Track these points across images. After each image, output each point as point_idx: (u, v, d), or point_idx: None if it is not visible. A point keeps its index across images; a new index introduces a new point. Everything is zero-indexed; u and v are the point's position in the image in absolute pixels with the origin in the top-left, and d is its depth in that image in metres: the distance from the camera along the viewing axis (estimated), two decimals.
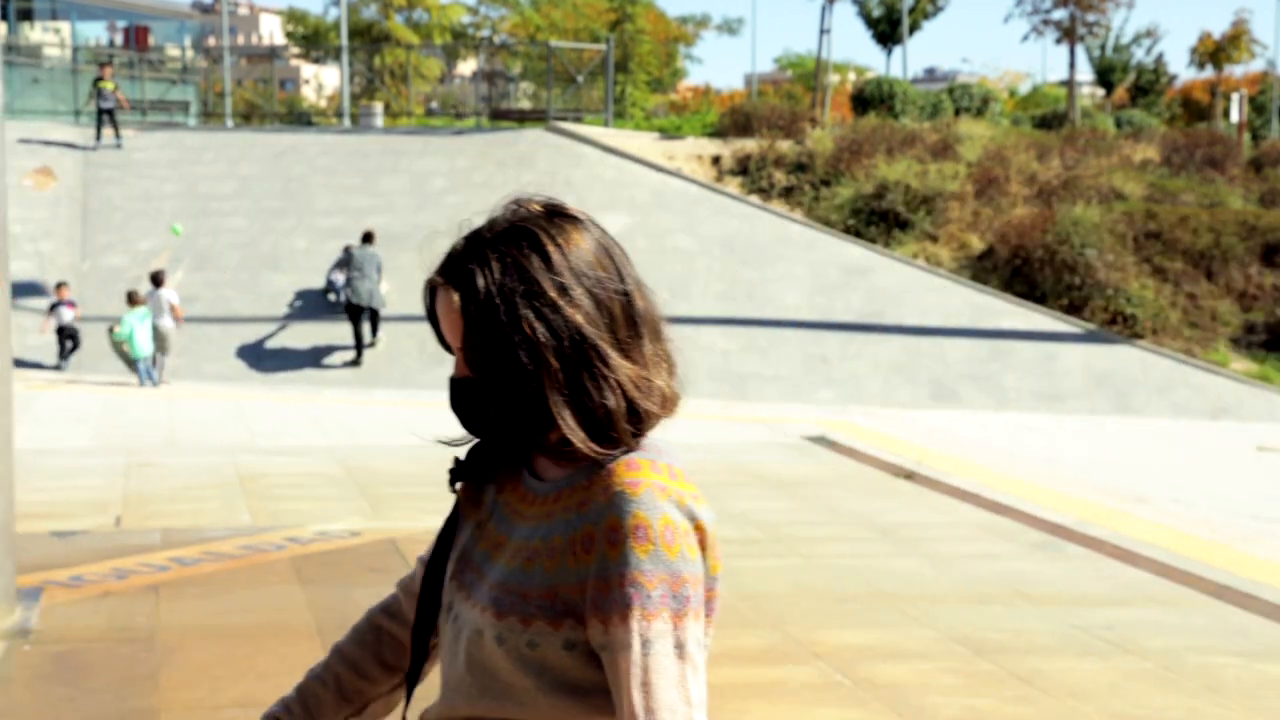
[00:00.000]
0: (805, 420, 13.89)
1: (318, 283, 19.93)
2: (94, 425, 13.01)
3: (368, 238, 18.91)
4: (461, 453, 1.90)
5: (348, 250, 18.78)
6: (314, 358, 18.85)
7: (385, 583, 7.35)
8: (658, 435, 1.75)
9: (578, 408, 1.68)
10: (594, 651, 1.65)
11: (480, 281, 1.69)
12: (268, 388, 17.50)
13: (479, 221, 1.78)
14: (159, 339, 17.60)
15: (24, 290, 18.51)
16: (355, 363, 18.56)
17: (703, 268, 20.12)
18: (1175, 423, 17.25)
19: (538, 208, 1.76)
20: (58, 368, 18.17)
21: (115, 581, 6.53)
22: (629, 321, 1.74)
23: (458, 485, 1.88)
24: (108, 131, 24.18)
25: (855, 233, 21.58)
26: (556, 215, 1.75)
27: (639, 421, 1.70)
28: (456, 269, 1.72)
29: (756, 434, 12.89)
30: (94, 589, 6.39)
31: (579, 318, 1.69)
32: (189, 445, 11.65)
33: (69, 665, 5.30)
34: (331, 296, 19.39)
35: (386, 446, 11.79)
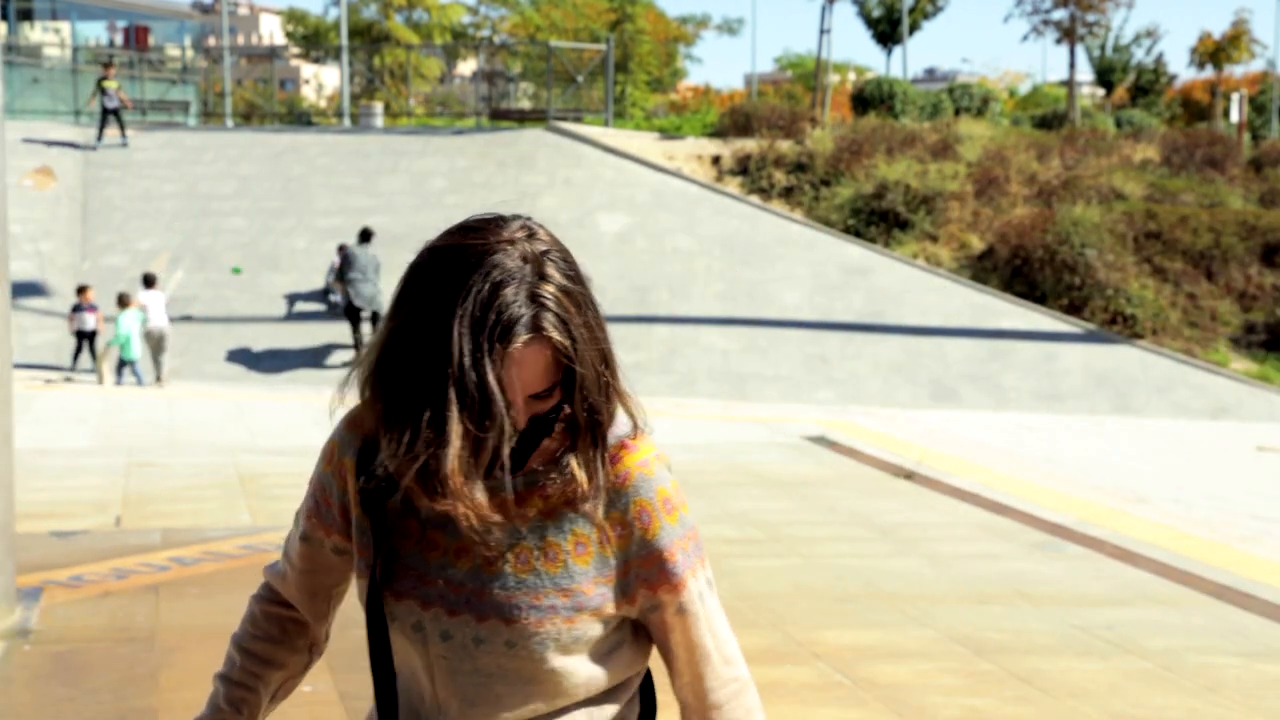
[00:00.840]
0: (805, 420, 13.89)
1: (318, 283, 19.93)
2: (94, 425, 13.01)
3: (366, 236, 18.82)
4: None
5: (345, 251, 18.61)
6: (314, 358, 18.85)
7: None
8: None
9: (599, 416, 1.73)
10: (622, 619, 1.75)
11: (566, 326, 1.67)
12: (268, 388, 17.49)
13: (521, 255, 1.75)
14: (155, 340, 17.60)
15: (24, 290, 18.51)
16: None
17: (703, 268, 20.12)
18: (1175, 423, 17.25)
19: (545, 234, 1.80)
20: (69, 369, 18.15)
21: (115, 581, 6.53)
22: (611, 346, 1.78)
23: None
24: (111, 131, 24.20)
25: (855, 233, 21.58)
26: (559, 243, 1.79)
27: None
28: (544, 312, 1.66)
29: (756, 434, 12.88)
30: (94, 589, 6.39)
31: (606, 345, 1.74)
32: (189, 445, 11.65)
33: (69, 665, 5.30)
34: (333, 298, 19.37)
35: None
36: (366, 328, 18.73)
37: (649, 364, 18.32)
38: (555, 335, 1.65)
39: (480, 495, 1.62)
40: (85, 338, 18.11)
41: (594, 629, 1.72)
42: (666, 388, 17.74)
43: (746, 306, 19.25)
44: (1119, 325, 19.69)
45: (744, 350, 18.53)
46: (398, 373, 1.64)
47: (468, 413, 1.59)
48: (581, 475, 1.71)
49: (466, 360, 1.60)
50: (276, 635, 1.98)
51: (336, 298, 18.90)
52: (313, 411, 14.59)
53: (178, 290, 19.99)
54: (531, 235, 1.77)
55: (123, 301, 17.59)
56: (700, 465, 10.51)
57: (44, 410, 13.81)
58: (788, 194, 22.87)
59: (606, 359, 1.73)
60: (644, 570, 1.73)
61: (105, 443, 11.82)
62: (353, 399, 1.76)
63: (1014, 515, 8.80)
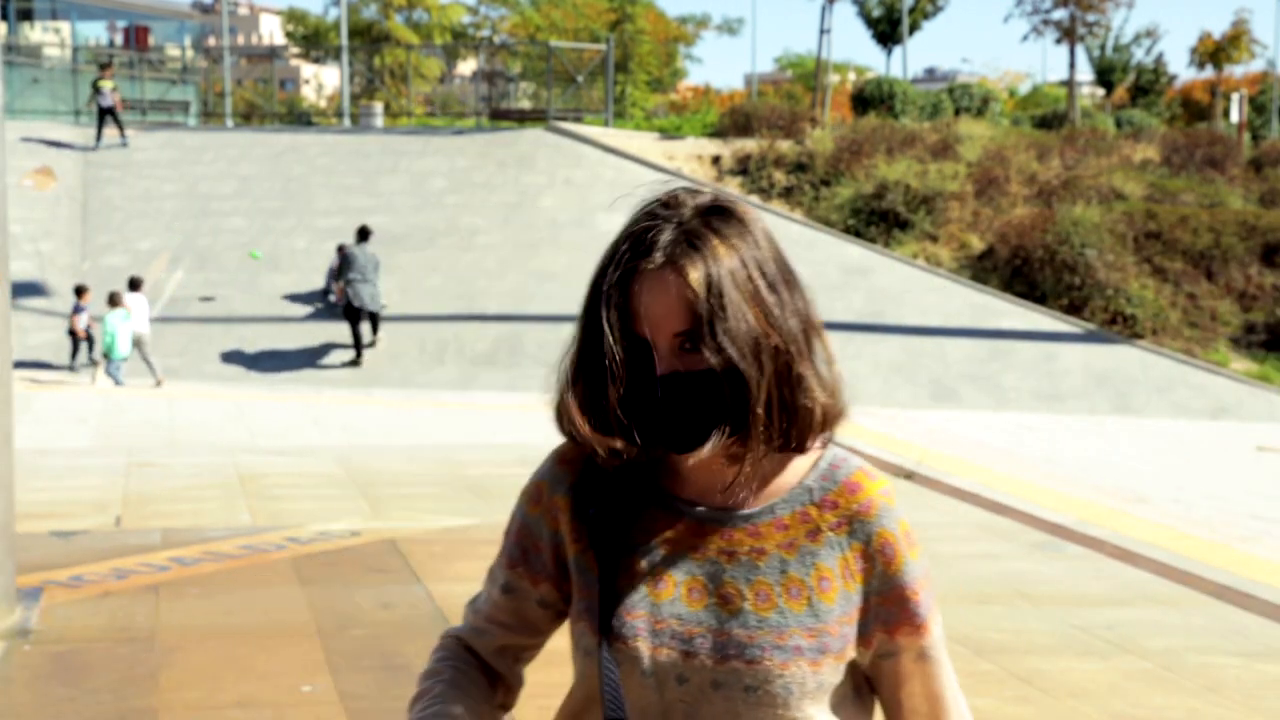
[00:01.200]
0: None
1: (318, 283, 19.92)
2: (94, 425, 13.01)
3: (364, 234, 18.83)
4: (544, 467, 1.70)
5: (344, 251, 18.62)
6: (314, 358, 18.84)
7: (385, 583, 7.32)
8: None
9: (789, 409, 1.56)
10: (853, 666, 1.62)
11: (709, 263, 1.53)
12: (268, 388, 17.50)
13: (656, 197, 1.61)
14: (139, 342, 17.64)
15: (24, 290, 18.51)
16: (355, 363, 18.55)
17: None
18: (1175, 423, 17.25)
19: (711, 192, 1.63)
20: (70, 369, 18.17)
21: (115, 581, 6.53)
22: (814, 324, 1.62)
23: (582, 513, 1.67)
24: (110, 131, 24.21)
25: (855, 233, 21.58)
26: (737, 203, 1.63)
27: (835, 422, 1.61)
28: (679, 246, 1.54)
29: None
30: (94, 589, 6.39)
31: (799, 311, 1.58)
32: (189, 445, 11.65)
33: (69, 665, 5.30)
34: (332, 298, 19.36)
35: (386, 446, 11.79)
36: (366, 327, 18.74)
37: None
38: (691, 271, 1.52)
39: (616, 443, 1.54)
40: (80, 338, 18.14)
41: (835, 675, 1.58)
42: None
43: None
44: (1119, 325, 19.68)
45: None
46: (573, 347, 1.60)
47: (589, 350, 1.55)
48: (739, 473, 1.57)
49: (601, 285, 1.55)
50: (477, 694, 1.72)
51: (335, 298, 18.90)
52: (313, 411, 14.60)
53: (178, 290, 19.99)
54: (710, 198, 1.62)
55: (113, 300, 17.62)
56: None
57: (44, 410, 13.81)
58: (788, 194, 22.87)
59: (794, 341, 1.55)
60: (884, 610, 1.60)
61: (105, 443, 11.83)
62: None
63: (1014, 515, 8.80)
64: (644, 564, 1.60)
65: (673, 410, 1.53)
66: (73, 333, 18.16)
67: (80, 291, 18.27)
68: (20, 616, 5.85)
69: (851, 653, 1.60)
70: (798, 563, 1.58)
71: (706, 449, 1.53)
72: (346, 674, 5.13)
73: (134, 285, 18.08)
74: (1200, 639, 6.08)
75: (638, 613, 1.58)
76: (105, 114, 24.07)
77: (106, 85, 24.23)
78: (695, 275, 1.51)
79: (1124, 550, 7.72)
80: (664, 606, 1.58)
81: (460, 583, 6.54)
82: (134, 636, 5.66)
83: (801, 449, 1.59)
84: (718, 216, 1.57)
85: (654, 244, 1.53)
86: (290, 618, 5.95)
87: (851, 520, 1.59)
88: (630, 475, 1.62)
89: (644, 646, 1.57)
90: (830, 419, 1.60)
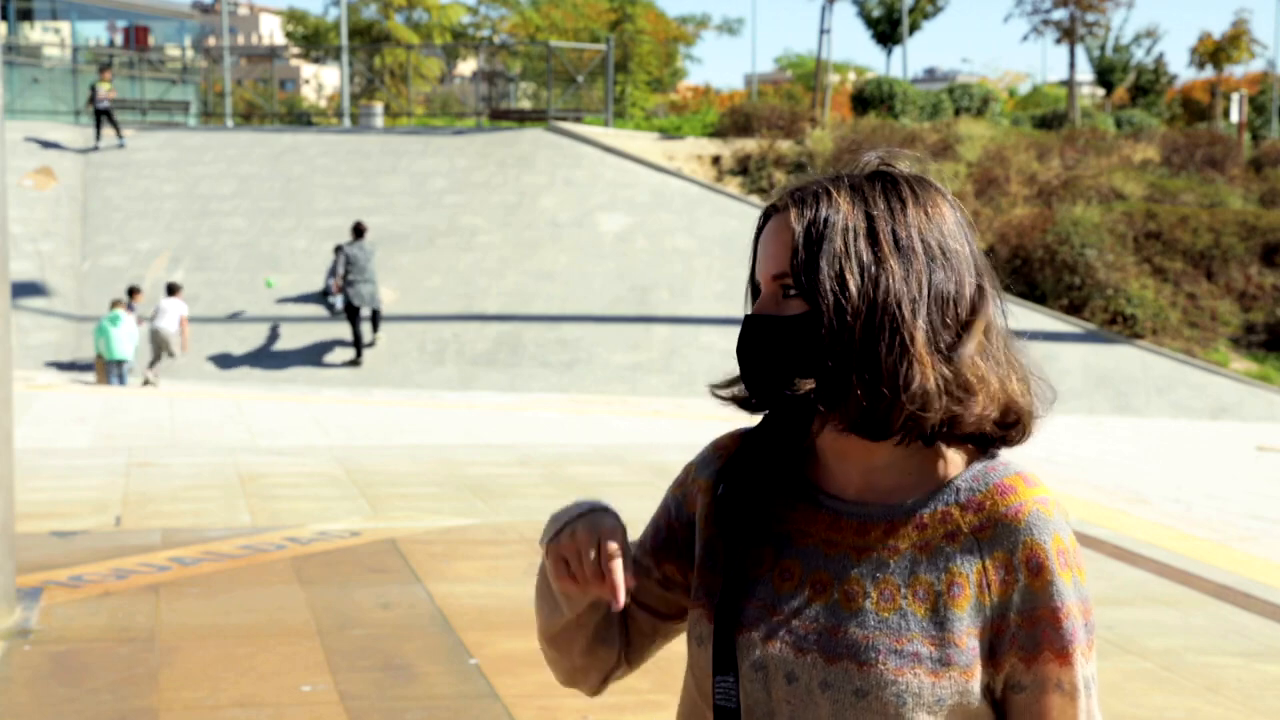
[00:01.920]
0: None
1: (318, 283, 19.93)
2: (94, 425, 13.01)
3: (359, 231, 18.85)
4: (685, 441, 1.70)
5: (343, 252, 18.63)
6: (314, 358, 18.85)
7: (385, 583, 7.34)
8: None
9: (892, 384, 1.43)
10: (989, 689, 1.48)
11: (824, 208, 1.47)
12: (268, 388, 17.50)
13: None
14: (160, 342, 17.63)
15: (24, 290, 18.51)
16: (355, 363, 18.56)
17: (703, 268, 20.12)
18: (1175, 423, 17.25)
19: (906, 165, 1.57)
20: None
21: (115, 581, 6.53)
22: (959, 319, 1.47)
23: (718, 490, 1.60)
24: (108, 132, 24.23)
25: None
26: (924, 179, 1.56)
27: (958, 409, 1.45)
28: (801, 192, 1.51)
29: None
30: (94, 589, 6.39)
31: (941, 290, 1.46)
32: (189, 445, 11.65)
33: (69, 665, 5.30)
34: (331, 299, 19.35)
35: (386, 446, 11.79)
36: (366, 327, 18.74)
37: (649, 364, 18.32)
38: (799, 214, 1.48)
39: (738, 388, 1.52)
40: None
41: (957, 692, 1.44)
42: (666, 388, 17.74)
43: (746, 306, 19.23)
44: (1119, 325, 19.69)
45: None
46: None
47: None
48: (857, 486, 1.49)
49: None
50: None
51: (335, 299, 18.91)
52: (313, 411, 14.60)
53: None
54: (885, 163, 1.57)
55: (114, 305, 17.69)
56: None
57: (44, 410, 13.81)
58: None
59: (915, 314, 1.44)
60: (1023, 631, 1.45)
61: (105, 443, 11.83)
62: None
63: None
64: (773, 553, 1.53)
65: (750, 353, 1.50)
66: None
67: (133, 292, 18.35)
68: (20, 616, 5.85)
69: (980, 673, 1.45)
70: (930, 565, 1.46)
71: (788, 401, 1.46)
72: (346, 674, 5.13)
73: (171, 291, 18.13)
74: (1200, 639, 6.08)
75: (756, 601, 1.51)
76: (102, 115, 24.10)
77: (104, 86, 24.27)
78: (801, 217, 1.47)
79: (1124, 550, 7.72)
80: (784, 599, 1.50)
81: (460, 583, 6.54)
82: (134, 636, 5.66)
83: (925, 438, 1.46)
84: (873, 178, 1.52)
85: (789, 189, 1.53)
86: (290, 618, 5.95)
87: (997, 525, 1.46)
88: (777, 464, 1.56)
89: (757, 637, 1.50)
90: (965, 410, 1.45)
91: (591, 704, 4.93)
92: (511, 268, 20.09)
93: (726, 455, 1.61)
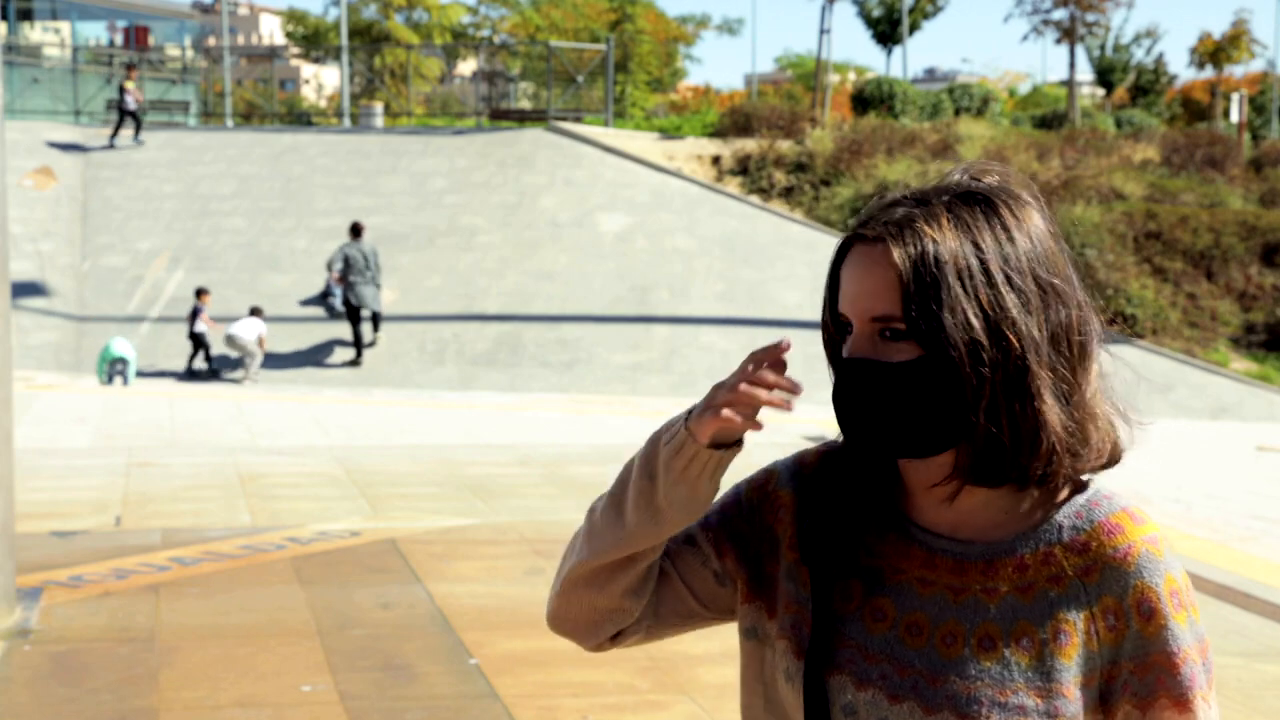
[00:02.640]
0: (805, 420, 13.88)
1: (318, 283, 19.93)
2: (94, 425, 13.01)
3: (357, 230, 18.87)
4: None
5: (344, 253, 18.62)
6: (314, 358, 18.85)
7: (385, 583, 7.34)
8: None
9: (1016, 429, 1.36)
10: None
11: (928, 242, 1.35)
12: (268, 388, 17.51)
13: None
14: (238, 347, 17.90)
15: (24, 290, 18.52)
16: (355, 363, 18.56)
17: (703, 268, 20.12)
18: (1175, 423, 17.25)
19: (994, 179, 1.44)
20: (191, 372, 18.35)
21: (115, 581, 6.53)
22: (1074, 357, 1.41)
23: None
24: (126, 132, 24.28)
25: None
26: (1014, 191, 1.44)
27: (1076, 460, 1.40)
28: (899, 223, 1.37)
29: (756, 434, 12.85)
30: (94, 589, 6.39)
31: (1058, 323, 1.38)
32: (189, 445, 11.65)
33: (69, 665, 5.30)
34: (331, 300, 19.35)
35: (386, 446, 11.79)
36: (367, 327, 18.75)
37: (649, 364, 18.32)
38: (902, 247, 1.35)
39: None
40: (200, 341, 18.25)
41: None
42: (666, 388, 17.74)
43: (746, 306, 19.25)
44: (1119, 325, 19.69)
45: (744, 350, 18.51)
46: None
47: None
48: (950, 521, 1.41)
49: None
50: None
51: (337, 301, 18.92)
52: (313, 411, 14.60)
53: (177, 290, 19.99)
54: (976, 180, 1.44)
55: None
56: None
57: (44, 410, 13.81)
58: (788, 194, 22.87)
59: (1035, 351, 1.35)
60: (1136, 679, 1.37)
61: (105, 443, 11.82)
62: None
63: None
64: (862, 588, 1.43)
65: (854, 401, 1.37)
66: (194, 336, 18.22)
67: (200, 293, 18.38)
68: (20, 616, 5.85)
69: (1096, 718, 1.38)
70: (1033, 610, 1.38)
71: (896, 454, 1.38)
72: (346, 674, 5.13)
73: (255, 313, 18.32)
74: None
75: (848, 642, 1.42)
76: (126, 115, 24.13)
77: (130, 85, 24.34)
78: (906, 252, 1.35)
79: None
80: (877, 640, 1.41)
81: (460, 583, 6.54)
82: (134, 636, 5.66)
83: (1039, 484, 1.39)
84: (970, 200, 1.40)
85: (878, 216, 1.39)
86: (290, 618, 5.95)
87: (1104, 568, 1.38)
88: (866, 492, 1.46)
89: (849, 681, 1.41)
90: (1082, 457, 1.40)
91: (591, 704, 4.93)
92: (511, 268, 20.09)
93: (810, 471, 1.52)
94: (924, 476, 1.42)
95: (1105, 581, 1.38)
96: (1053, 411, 1.37)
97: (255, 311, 18.42)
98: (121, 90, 24.30)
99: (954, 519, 1.43)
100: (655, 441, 1.41)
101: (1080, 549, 1.39)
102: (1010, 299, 1.35)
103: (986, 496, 1.41)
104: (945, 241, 1.35)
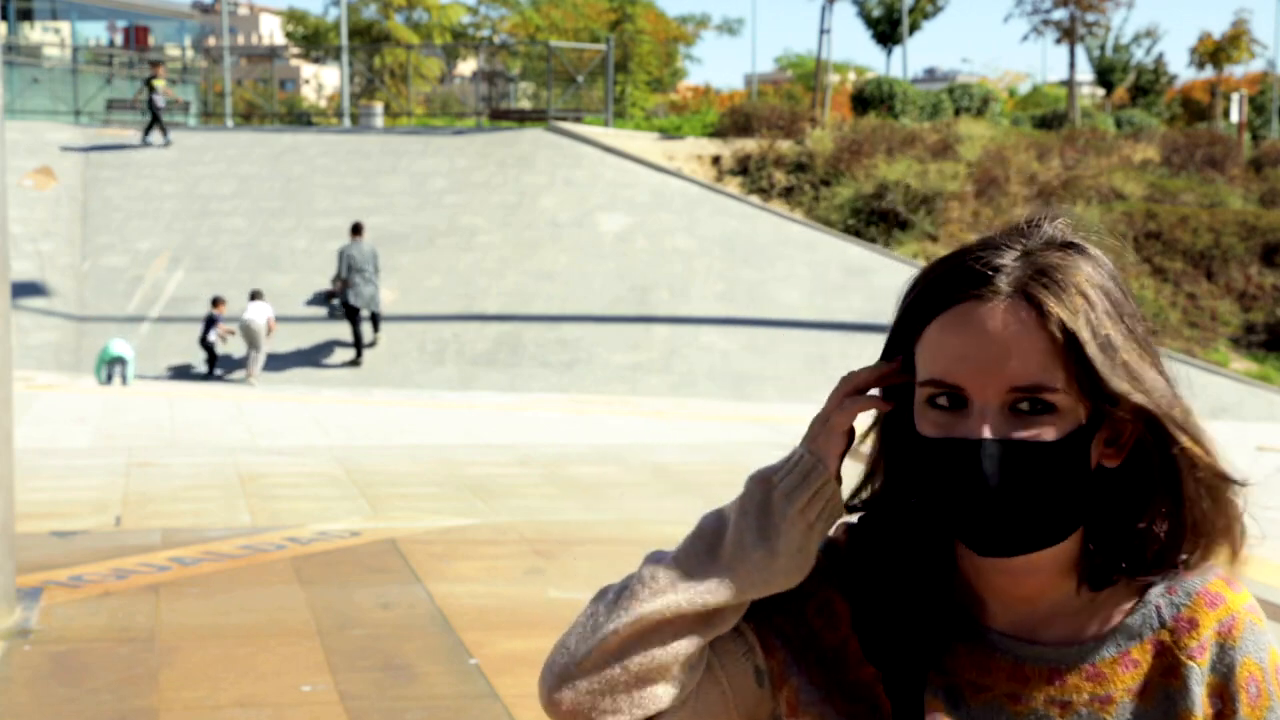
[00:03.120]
0: (805, 420, 13.85)
1: (318, 283, 19.93)
2: (94, 425, 13.01)
3: (358, 229, 18.90)
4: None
5: (345, 254, 18.66)
6: (314, 358, 18.85)
7: (385, 583, 7.32)
8: None
9: (1201, 515, 1.25)
10: None
11: (1076, 299, 1.18)
12: (268, 388, 17.51)
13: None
14: (250, 335, 17.94)
15: (24, 290, 18.52)
16: (355, 363, 18.57)
17: (703, 268, 20.12)
18: None
19: (1079, 231, 1.31)
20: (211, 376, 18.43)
21: (115, 581, 6.53)
22: (1184, 408, 1.30)
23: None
24: (155, 133, 24.35)
25: (855, 233, 21.58)
26: (1107, 244, 1.31)
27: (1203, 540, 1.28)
28: (1040, 277, 1.19)
29: (757, 434, 12.88)
30: (94, 589, 6.39)
31: (1171, 404, 1.25)
32: (189, 445, 11.65)
33: (69, 665, 5.30)
34: (334, 302, 19.36)
35: (386, 446, 11.79)
36: (367, 327, 18.75)
37: (649, 364, 18.32)
38: (1059, 308, 1.16)
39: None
40: (213, 350, 18.33)
41: None
42: (666, 388, 17.74)
43: (746, 306, 19.25)
44: None
45: (744, 350, 18.52)
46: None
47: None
48: (1023, 618, 1.21)
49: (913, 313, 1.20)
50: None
51: (334, 291, 18.96)
52: (313, 411, 14.60)
53: (177, 290, 20.00)
54: (1063, 230, 1.28)
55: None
56: (701, 465, 10.50)
57: (44, 410, 13.81)
58: (788, 194, 22.87)
59: (1186, 424, 1.23)
60: None
61: (105, 443, 11.82)
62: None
63: None
64: (947, 711, 1.22)
65: (990, 492, 1.15)
66: (208, 345, 18.24)
67: (216, 302, 18.41)
68: (20, 616, 5.85)
69: None
70: (1157, 713, 1.20)
71: (1029, 549, 1.17)
72: (346, 674, 5.13)
73: (255, 297, 18.35)
74: None
75: None
76: (157, 114, 24.16)
77: (160, 84, 24.37)
78: (1063, 313, 1.16)
79: None
80: None
81: (460, 583, 6.54)
82: (134, 636, 5.66)
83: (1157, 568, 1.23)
84: (1072, 250, 1.25)
85: (995, 268, 1.19)
86: (290, 618, 5.94)
87: (1212, 646, 1.22)
88: (927, 592, 1.23)
89: None
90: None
91: None
92: (511, 268, 20.09)
93: (845, 564, 1.29)
94: (1021, 573, 1.20)
95: (1213, 661, 1.22)
96: (1193, 487, 1.23)
97: (257, 295, 18.45)
98: (150, 89, 24.35)
99: (1036, 619, 1.23)
100: (763, 480, 1.27)
101: (1188, 627, 1.23)
102: (1152, 371, 1.24)
103: (1073, 588, 1.23)
104: (1091, 299, 1.20)
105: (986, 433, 1.15)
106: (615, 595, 1.23)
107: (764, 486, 1.25)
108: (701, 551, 1.24)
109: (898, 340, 1.26)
